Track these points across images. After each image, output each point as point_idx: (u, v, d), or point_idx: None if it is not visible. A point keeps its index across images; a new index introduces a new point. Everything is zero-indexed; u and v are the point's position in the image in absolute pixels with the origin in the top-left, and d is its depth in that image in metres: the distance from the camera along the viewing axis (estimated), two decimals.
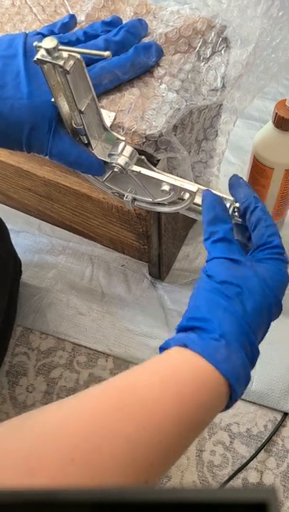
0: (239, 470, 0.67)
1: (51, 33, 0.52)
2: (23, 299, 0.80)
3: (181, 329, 0.43)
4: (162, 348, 0.43)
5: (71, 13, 0.56)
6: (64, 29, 0.53)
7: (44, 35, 0.51)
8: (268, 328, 0.44)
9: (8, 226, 0.73)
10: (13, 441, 0.35)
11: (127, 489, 0.20)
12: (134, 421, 0.36)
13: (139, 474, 0.36)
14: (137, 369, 0.41)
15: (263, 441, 0.69)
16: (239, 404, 0.71)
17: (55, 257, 0.84)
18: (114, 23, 0.53)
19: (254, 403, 0.71)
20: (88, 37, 0.52)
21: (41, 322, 0.79)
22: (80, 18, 0.56)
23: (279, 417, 0.71)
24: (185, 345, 0.40)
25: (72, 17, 0.54)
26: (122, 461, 0.35)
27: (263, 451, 0.69)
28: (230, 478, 0.67)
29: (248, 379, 0.42)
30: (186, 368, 0.39)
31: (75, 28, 0.55)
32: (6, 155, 0.64)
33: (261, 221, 0.46)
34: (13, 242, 0.76)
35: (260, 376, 0.72)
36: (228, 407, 0.41)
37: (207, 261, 0.46)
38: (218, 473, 0.68)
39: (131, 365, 0.74)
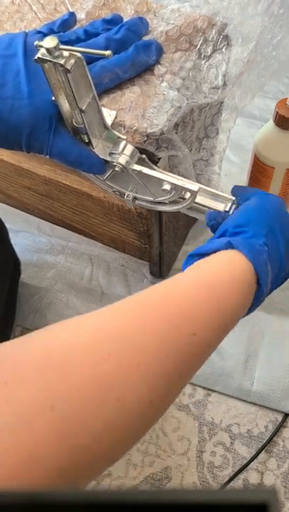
0: (240, 471, 0.67)
1: (51, 31, 0.52)
2: (23, 299, 0.80)
3: (222, 235, 0.46)
4: (198, 255, 0.45)
5: (71, 10, 0.56)
6: (64, 27, 0.53)
7: (44, 34, 0.51)
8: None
9: (8, 226, 0.73)
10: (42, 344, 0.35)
11: (128, 490, 0.20)
12: (165, 317, 0.37)
13: (173, 368, 0.36)
14: (183, 274, 0.42)
15: (264, 442, 0.69)
16: (239, 404, 0.71)
17: (54, 257, 0.84)
18: (114, 21, 0.53)
19: (255, 404, 0.71)
20: (89, 35, 0.52)
21: (41, 322, 0.79)
22: (81, 16, 0.56)
23: (280, 417, 0.70)
24: (231, 246, 0.43)
25: (72, 15, 0.54)
26: (153, 355, 0.35)
27: (263, 452, 0.68)
28: (231, 479, 0.67)
29: (268, 288, 0.45)
30: (227, 270, 0.41)
31: (76, 26, 0.55)
32: (6, 154, 0.64)
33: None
34: (12, 241, 0.75)
35: (260, 377, 0.72)
36: (250, 310, 0.44)
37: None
38: (219, 474, 0.68)
39: None
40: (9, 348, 0.35)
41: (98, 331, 0.35)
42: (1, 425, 0.30)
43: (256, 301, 0.43)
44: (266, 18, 0.57)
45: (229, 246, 0.43)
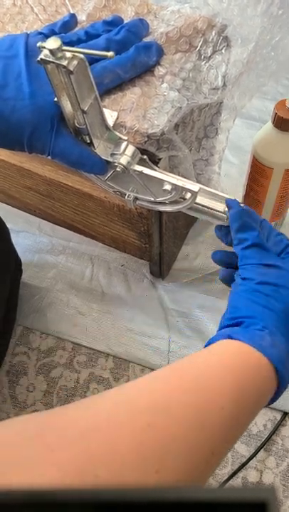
0: (239, 469, 0.68)
1: (52, 32, 0.52)
2: (24, 299, 0.81)
3: (222, 328, 0.45)
4: (207, 345, 0.45)
5: (72, 12, 0.56)
6: (65, 28, 0.53)
7: (45, 35, 0.51)
8: None
9: (9, 226, 0.73)
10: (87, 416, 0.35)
11: (127, 489, 0.20)
12: (195, 407, 0.37)
13: (206, 442, 0.36)
14: (182, 361, 0.42)
15: (263, 440, 0.69)
16: None
17: (55, 257, 0.84)
18: (115, 22, 0.53)
19: None
20: (89, 37, 0.52)
21: (41, 322, 0.79)
22: (81, 17, 0.56)
23: (279, 416, 0.71)
24: (230, 337, 0.42)
25: (73, 16, 0.54)
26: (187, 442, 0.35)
27: (262, 450, 0.69)
28: (230, 477, 0.67)
29: None
30: (233, 357, 0.41)
31: (76, 28, 0.55)
32: (8, 154, 0.64)
33: (272, 232, 0.50)
34: (13, 241, 0.76)
35: None
36: (277, 395, 0.43)
37: (240, 265, 0.48)
38: (218, 472, 0.68)
39: (131, 364, 0.75)
40: (52, 415, 0.35)
41: (137, 401, 0.36)
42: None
43: (281, 385, 0.42)
44: (265, 19, 0.57)
45: (229, 337, 0.43)
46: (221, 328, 0.45)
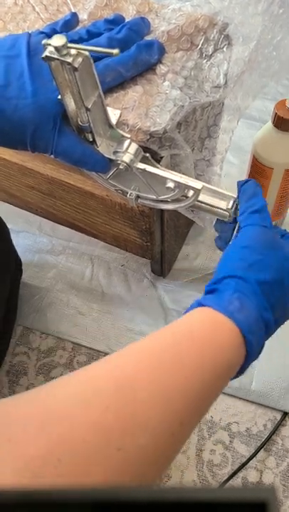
0: (239, 469, 0.67)
1: (53, 31, 0.52)
2: (24, 299, 0.80)
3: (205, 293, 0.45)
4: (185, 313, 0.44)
5: (73, 11, 0.56)
6: (66, 27, 0.53)
7: (47, 35, 0.51)
8: (286, 314, 0.45)
9: (9, 226, 0.73)
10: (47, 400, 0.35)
11: (127, 489, 0.20)
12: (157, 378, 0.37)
13: (172, 415, 0.36)
14: (153, 334, 0.42)
15: (263, 440, 0.69)
16: (239, 403, 0.72)
17: (55, 257, 0.84)
18: (116, 21, 0.53)
19: (254, 402, 0.72)
20: (91, 35, 0.52)
21: (41, 322, 0.79)
22: (83, 16, 0.56)
23: (279, 416, 0.71)
24: (201, 305, 0.42)
25: (74, 15, 0.54)
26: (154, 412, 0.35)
27: (262, 450, 0.69)
28: (230, 477, 0.67)
29: (261, 339, 0.43)
30: (200, 324, 0.41)
31: (78, 27, 0.55)
32: (10, 153, 0.64)
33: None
34: (13, 241, 0.76)
35: (259, 375, 0.72)
36: (246, 363, 0.42)
37: (241, 227, 0.48)
38: (218, 472, 0.68)
39: None
40: (11, 406, 0.35)
41: (98, 382, 0.36)
42: (10, 484, 0.30)
43: (249, 347, 0.41)
44: (266, 18, 0.57)
45: (200, 305, 0.43)
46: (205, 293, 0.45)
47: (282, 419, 0.70)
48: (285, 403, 0.71)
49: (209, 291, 0.44)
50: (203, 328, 0.40)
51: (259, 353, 0.43)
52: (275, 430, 0.70)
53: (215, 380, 0.39)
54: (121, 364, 0.38)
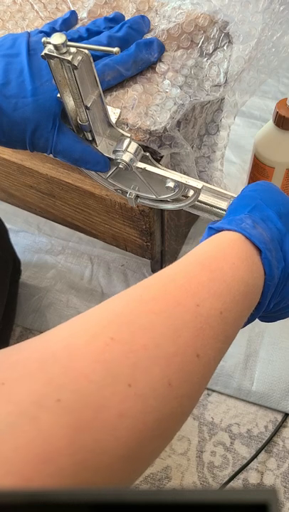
0: (239, 471, 0.67)
1: (53, 30, 0.52)
2: (23, 299, 0.80)
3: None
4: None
5: (72, 9, 0.56)
6: (65, 25, 0.53)
7: (46, 33, 0.51)
8: None
9: (8, 226, 0.73)
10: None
11: (128, 490, 0.20)
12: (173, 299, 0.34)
13: (186, 346, 0.33)
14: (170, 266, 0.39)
15: (264, 441, 0.69)
16: (239, 404, 0.71)
17: (54, 257, 0.83)
18: (116, 19, 0.53)
19: (255, 404, 0.71)
20: (91, 34, 0.52)
21: (41, 322, 0.79)
22: (82, 14, 0.56)
23: (279, 417, 0.70)
24: (210, 229, 0.40)
25: (73, 13, 0.54)
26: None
27: (263, 451, 0.68)
28: (231, 479, 0.67)
29: (280, 262, 0.40)
30: (209, 243, 0.39)
31: (77, 25, 0.55)
32: (9, 153, 0.64)
33: None
34: (12, 241, 0.75)
35: (260, 377, 0.72)
36: (266, 287, 0.39)
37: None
38: (219, 474, 0.68)
39: None
40: (12, 352, 0.32)
41: (98, 318, 0.33)
42: (4, 427, 0.27)
43: (267, 265, 0.38)
44: (267, 16, 0.57)
45: (212, 232, 0.41)
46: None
47: (283, 420, 0.70)
48: (286, 404, 0.70)
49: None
50: (211, 246, 0.38)
51: (278, 280, 0.40)
52: (276, 431, 0.69)
53: (234, 304, 0.36)
54: (122, 302, 0.35)
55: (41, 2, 0.58)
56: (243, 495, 0.19)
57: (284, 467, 0.68)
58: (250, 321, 0.40)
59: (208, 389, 0.72)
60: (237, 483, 0.67)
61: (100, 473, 0.29)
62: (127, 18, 0.54)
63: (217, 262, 0.37)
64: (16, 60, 0.48)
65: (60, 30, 0.52)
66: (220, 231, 0.40)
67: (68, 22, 0.54)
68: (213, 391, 0.72)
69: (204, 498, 0.19)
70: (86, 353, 0.31)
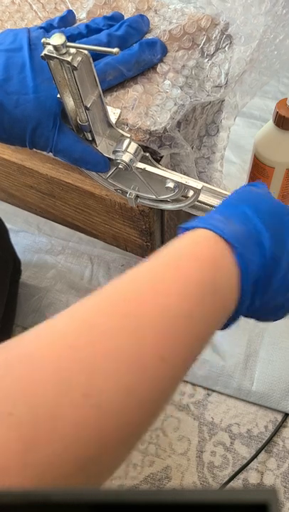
0: (239, 471, 0.67)
1: (51, 27, 0.52)
2: (23, 299, 0.80)
3: None
4: None
5: (71, 9, 0.56)
6: (63, 23, 0.53)
7: (45, 29, 0.51)
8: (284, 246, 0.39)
9: (8, 226, 0.73)
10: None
11: (128, 490, 0.20)
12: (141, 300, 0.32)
13: (149, 350, 0.30)
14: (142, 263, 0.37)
15: (264, 441, 0.69)
16: (239, 404, 0.71)
17: (54, 257, 0.83)
18: (115, 17, 0.53)
19: (254, 404, 0.71)
20: (90, 31, 0.52)
21: (41, 322, 0.78)
22: (82, 15, 0.56)
23: (279, 417, 0.70)
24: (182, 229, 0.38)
25: (71, 12, 0.54)
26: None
27: (263, 451, 0.68)
28: (231, 479, 0.67)
29: (258, 258, 0.37)
30: (175, 244, 0.36)
31: (76, 24, 0.55)
32: (9, 152, 0.64)
33: None
34: (12, 241, 0.75)
35: (260, 377, 0.72)
36: (244, 283, 0.36)
37: None
38: (219, 474, 0.68)
39: None
40: None
41: (62, 324, 0.31)
42: None
43: (241, 262, 0.36)
44: (269, 18, 0.57)
45: (183, 230, 0.38)
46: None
47: (283, 420, 0.70)
48: (286, 404, 0.70)
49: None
50: (178, 246, 0.35)
51: (259, 277, 0.37)
52: (275, 431, 0.69)
53: (203, 304, 0.33)
54: (86, 307, 0.32)
55: (40, 2, 0.58)
56: (243, 495, 0.19)
57: (284, 467, 0.68)
58: (233, 320, 0.38)
59: (208, 389, 0.72)
60: (237, 483, 0.67)
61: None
62: (126, 18, 0.54)
63: (184, 261, 0.35)
64: (17, 55, 0.47)
65: (58, 27, 0.52)
66: (190, 230, 0.38)
67: (66, 20, 0.54)
68: (213, 391, 0.72)
69: (204, 498, 0.19)
70: (43, 362, 0.29)
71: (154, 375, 0.30)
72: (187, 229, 0.38)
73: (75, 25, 0.54)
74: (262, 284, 0.38)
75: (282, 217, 0.40)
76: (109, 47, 0.43)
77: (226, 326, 0.38)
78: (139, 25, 0.53)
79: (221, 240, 0.36)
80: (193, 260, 0.35)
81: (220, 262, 0.35)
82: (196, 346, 0.34)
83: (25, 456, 0.26)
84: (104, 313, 0.31)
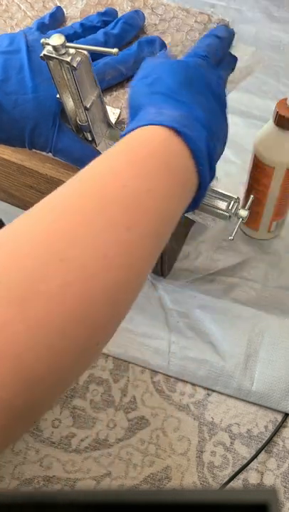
0: (239, 471, 0.67)
1: (43, 25, 0.52)
2: None
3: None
4: None
5: (60, 6, 0.57)
6: (53, 20, 0.54)
7: (40, 30, 0.51)
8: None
9: None
10: None
11: (128, 491, 0.20)
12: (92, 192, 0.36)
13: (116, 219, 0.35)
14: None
15: (264, 442, 0.69)
16: (239, 404, 0.71)
17: None
18: (109, 13, 0.54)
19: (255, 404, 0.71)
20: (85, 29, 0.52)
21: None
22: (75, 14, 0.56)
23: (280, 417, 0.70)
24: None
25: (59, 8, 0.55)
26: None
27: (263, 452, 0.68)
28: (231, 479, 0.67)
29: (197, 129, 0.40)
30: (125, 140, 0.40)
31: (71, 22, 0.56)
32: (9, 153, 0.64)
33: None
34: None
35: (261, 377, 0.72)
36: (199, 161, 0.40)
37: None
38: (219, 474, 0.68)
39: (131, 365, 0.74)
40: None
41: (41, 205, 0.36)
42: None
43: (188, 141, 0.40)
44: (266, 17, 0.57)
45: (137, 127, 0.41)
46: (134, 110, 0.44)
47: (284, 420, 0.70)
48: (286, 404, 0.70)
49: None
50: (127, 139, 0.39)
51: (208, 151, 0.41)
52: (276, 432, 0.69)
53: (158, 183, 0.37)
54: (57, 192, 0.37)
55: (28, 2, 0.59)
56: (243, 495, 0.19)
57: (284, 467, 0.68)
58: (200, 196, 0.42)
59: (208, 389, 0.72)
60: (237, 483, 0.67)
61: (55, 341, 0.30)
62: (121, 15, 0.54)
63: (135, 149, 0.38)
64: (15, 57, 0.47)
65: (48, 24, 0.53)
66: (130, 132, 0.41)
67: (55, 16, 0.54)
68: (213, 391, 0.72)
69: (204, 498, 0.19)
70: (29, 237, 0.33)
71: (123, 242, 0.34)
72: (127, 132, 0.41)
73: (69, 24, 0.54)
74: (211, 157, 0.42)
75: (190, 78, 0.42)
76: (107, 46, 0.43)
77: (195, 204, 0.42)
78: (134, 21, 0.53)
79: (164, 129, 0.39)
80: (144, 147, 0.38)
81: (169, 145, 0.39)
82: (161, 223, 0.38)
83: (22, 310, 0.29)
84: (70, 195, 0.36)
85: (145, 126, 0.39)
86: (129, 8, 0.55)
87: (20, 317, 0.29)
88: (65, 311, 0.31)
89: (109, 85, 0.52)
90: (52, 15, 0.53)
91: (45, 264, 0.31)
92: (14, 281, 0.30)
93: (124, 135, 0.41)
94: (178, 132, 0.39)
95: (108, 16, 0.53)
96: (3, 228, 0.35)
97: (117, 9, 0.54)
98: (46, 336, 0.30)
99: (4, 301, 0.29)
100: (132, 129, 0.40)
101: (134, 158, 0.38)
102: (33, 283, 0.30)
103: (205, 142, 0.40)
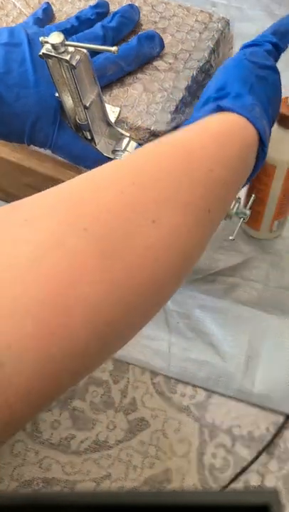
0: (240, 473, 0.67)
1: (37, 20, 0.53)
2: None
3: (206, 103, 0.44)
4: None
5: (48, 1, 0.57)
6: (46, 14, 0.54)
7: (36, 24, 0.51)
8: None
9: None
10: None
11: (128, 492, 0.20)
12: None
13: (198, 199, 0.36)
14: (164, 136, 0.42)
15: (265, 443, 0.68)
16: (240, 406, 0.71)
17: None
18: (101, 5, 0.54)
19: (256, 405, 0.71)
20: (82, 22, 0.52)
21: None
22: (72, 10, 0.56)
23: (281, 419, 0.70)
24: (219, 107, 0.42)
25: (49, 4, 0.56)
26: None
27: (264, 453, 0.68)
28: (232, 481, 0.66)
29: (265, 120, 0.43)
30: (221, 124, 0.41)
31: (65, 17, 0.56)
32: (7, 152, 0.64)
33: None
34: None
35: (262, 378, 0.71)
36: (256, 169, 0.44)
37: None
38: (220, 476, 0.67)
39: (131, 366, 0.74)
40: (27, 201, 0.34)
41: (120, 166, 0.35)
42: (30, 253, 0.27)
43: (261, 158, 0.44)
44: (268, 15, 0.57)
45: (219, 109, 0.42)
46: (204, 103, 0.44)
47: (285, 422, 0.69)
48: (288, 406, 0.70)
49: (221, 97, 0.43)
50: (222, 127, 0.40)
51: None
52: (277, 433, 0.69)
53: (235, 178, 0.40)
54: (141, 156, 0.37)
55: None
56: (245, 497, 0.19)
57: (285, 469, 0.67)
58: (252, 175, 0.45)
59: (209, 390, 0.71)
60: (238, 485, 0.66)
61: (131, 298, 0.30)
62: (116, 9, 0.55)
63: (224, 136, 0.40)
64: (17, 50, 0.47)
65: (42, 19, 0.53)
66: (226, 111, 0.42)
67: (48, 11, 0.55)
68: (214, 392, 0.71)
69: (205, 499, 0.19)
70: (110, 190, 0.32)
71: (202, 221, 0.36)
72: (226, 109, 0.42)
73: (66, 19, 0.55)
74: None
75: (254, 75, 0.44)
76: (105, 39, 0.44)
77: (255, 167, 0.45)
78: (131, 15, 0.53)
79: (255, 133, 0.41)
80: (234, 145, 0.40)
81: (251, 152, 0.42)
82: (226, 208, 0.42)
83: (103, 266, 0.29)
84: (155, 162, 0.36)
85: (228, 113, 0.41)
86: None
87: (103, 269, 0.29)
88: (145, 275, 0.31)
89: (109, 81, 0.51)
90: (44, 10, 0.54)
91: (132, 222, 0.31)
92: (100, 233, 0.30)
93: (221, 107, 0.42)
94: (252, 123, 0.41)
95: (100, 8, 0.53)
96: (82, 175, 0.35)
97: (117, 5, 0.54)
98: (124, 291, 0.30)
99: (89, 252, 0.29)
100: (235, 109, 0.41)
101: (222, 147, 0.39)
102: (123, 240, 0.30)
103: (269, 131, 0.44)
